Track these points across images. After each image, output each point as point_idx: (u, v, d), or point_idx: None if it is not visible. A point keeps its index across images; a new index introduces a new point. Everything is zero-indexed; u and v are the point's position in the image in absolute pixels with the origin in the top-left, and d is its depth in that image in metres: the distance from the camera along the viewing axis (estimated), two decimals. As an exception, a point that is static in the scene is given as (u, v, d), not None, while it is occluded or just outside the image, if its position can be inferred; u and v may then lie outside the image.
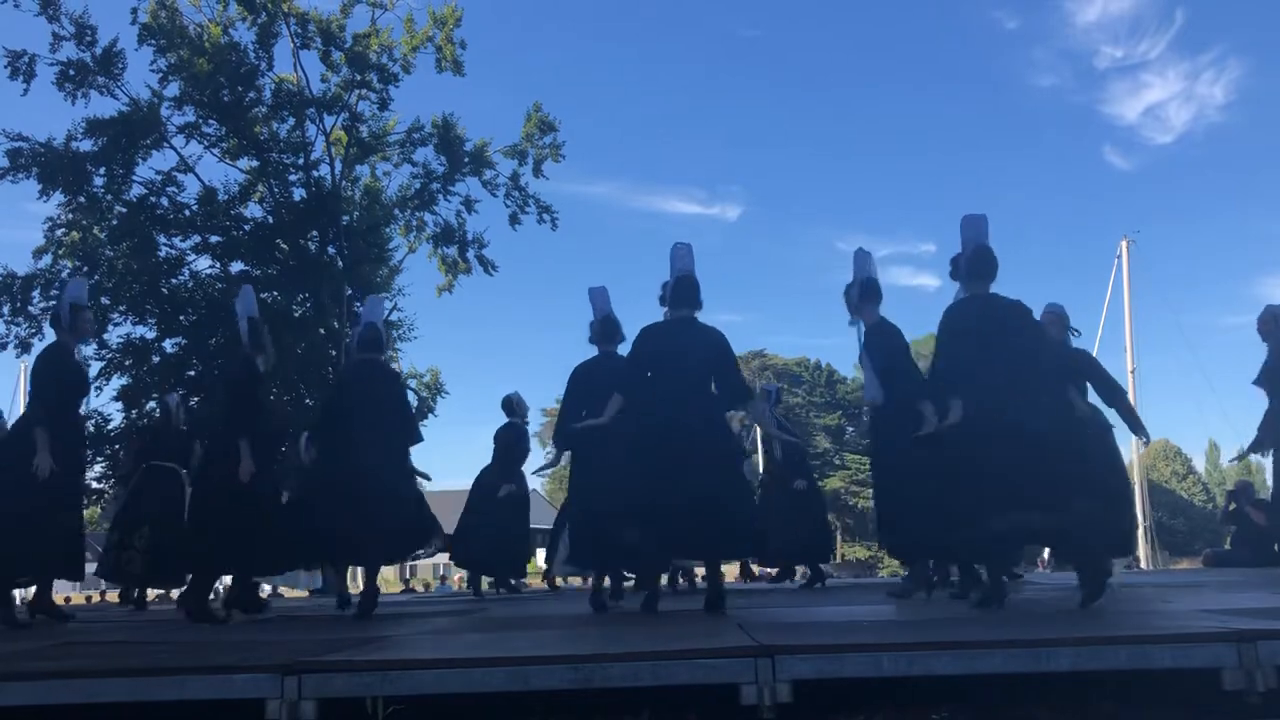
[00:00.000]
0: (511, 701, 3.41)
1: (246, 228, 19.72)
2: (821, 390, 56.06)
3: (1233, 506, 13.74)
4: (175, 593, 9.97)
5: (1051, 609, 5.47)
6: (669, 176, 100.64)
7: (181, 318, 18.99)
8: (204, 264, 19.83)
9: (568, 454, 6.77)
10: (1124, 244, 31.15)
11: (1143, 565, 23.64)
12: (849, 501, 51.00)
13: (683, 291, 6.02)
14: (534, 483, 10.19)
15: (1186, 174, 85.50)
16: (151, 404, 18.41)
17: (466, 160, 20.52)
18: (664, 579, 7.94)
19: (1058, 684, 3.44)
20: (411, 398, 21.12)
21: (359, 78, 19.48)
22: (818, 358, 58.11)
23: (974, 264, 5.46)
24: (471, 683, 3.34)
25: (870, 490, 9.51)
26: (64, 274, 18.41)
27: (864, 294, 6.62)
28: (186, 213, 19.32)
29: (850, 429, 56.33)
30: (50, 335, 6.93)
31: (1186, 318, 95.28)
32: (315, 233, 19.77)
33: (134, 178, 18.95)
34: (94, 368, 18.42)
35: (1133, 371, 29.95)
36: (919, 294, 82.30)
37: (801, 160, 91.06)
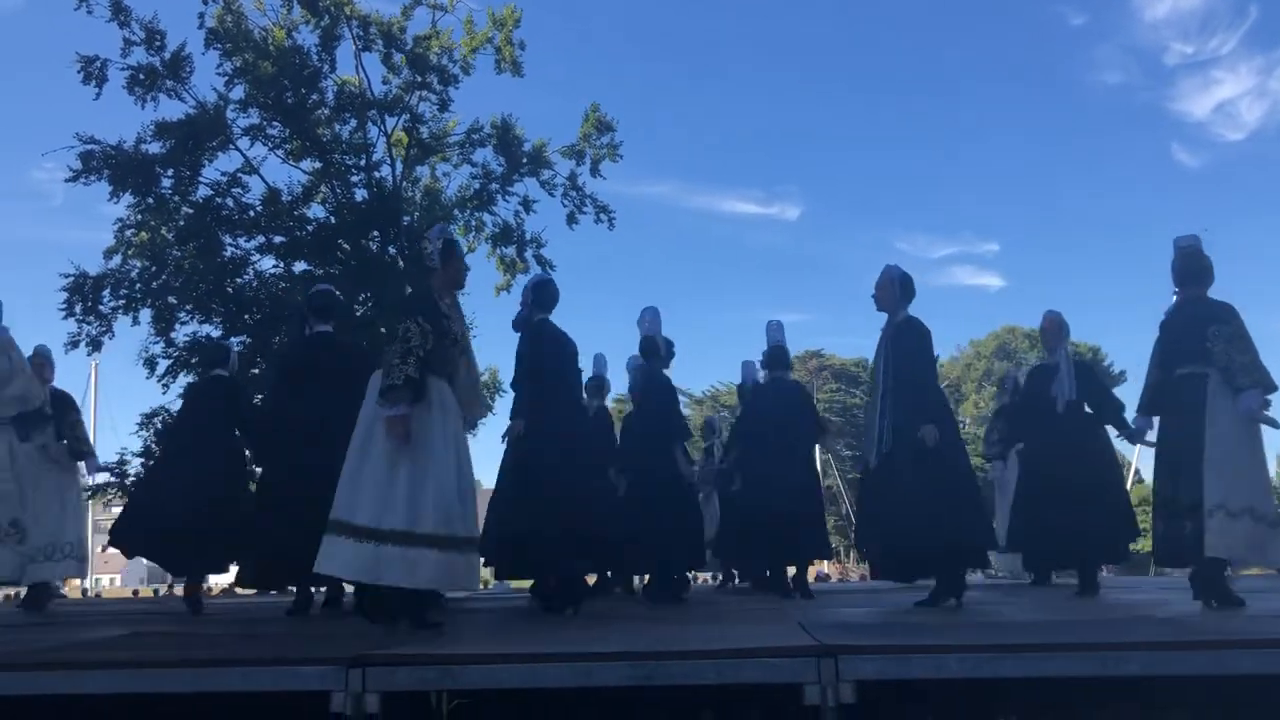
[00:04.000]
0: (572, 697, 3.40)
1: (309, 228, 19.93)
2: (880, 391, 55.24)
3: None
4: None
5: (1125, 613, 5.35)
6: (726, 176, 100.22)
7: (246, 316, 19.24)
8: (268, 264, 20.03)
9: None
10: (1193, 242, 30.44)
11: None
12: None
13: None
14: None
15: (1258, 171, 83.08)
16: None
17: (525, 161, 20.55)
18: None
19: (1128, 688, 3.36)
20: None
21: (419, 79, 19.61)
22: (876, 358, 57.35)
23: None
24: (534, 678, 3.34)
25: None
26: (133, 273, 18.78)
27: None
28: (251, 214, 19.59)
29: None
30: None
31: (1254, 318, 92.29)
32: (376, 233, 19.94)
33: (200, 179, 19.22)
34: (161, 366, 18.77)
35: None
36: (981, 294, 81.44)
37: (861, 160, 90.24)
